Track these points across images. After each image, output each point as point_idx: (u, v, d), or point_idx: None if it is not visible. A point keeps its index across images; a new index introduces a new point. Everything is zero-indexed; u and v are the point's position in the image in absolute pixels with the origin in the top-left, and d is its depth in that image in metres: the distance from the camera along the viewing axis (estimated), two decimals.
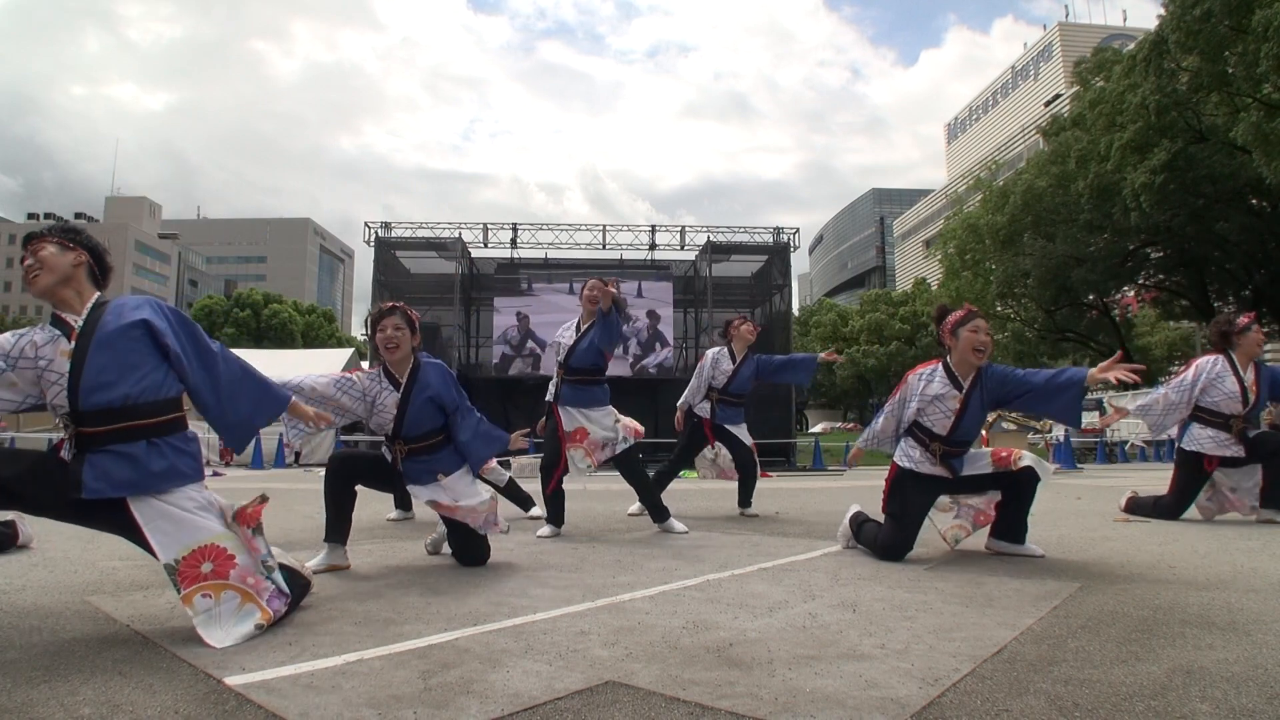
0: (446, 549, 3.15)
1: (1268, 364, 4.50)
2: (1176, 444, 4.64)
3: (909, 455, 3.19)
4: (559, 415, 4.04)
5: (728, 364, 5.04)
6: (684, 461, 5.28)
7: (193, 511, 1.97)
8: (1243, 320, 4.42)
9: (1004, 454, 3.14)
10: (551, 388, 4.15)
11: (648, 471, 4.42)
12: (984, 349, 3.08)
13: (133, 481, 1.92)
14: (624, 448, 4.05)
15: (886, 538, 3.12)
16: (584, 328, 4.09)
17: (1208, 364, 4.43)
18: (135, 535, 1.95)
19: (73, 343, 1.95)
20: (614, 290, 3.93)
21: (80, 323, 1.98)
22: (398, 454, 2.95)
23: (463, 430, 3.01)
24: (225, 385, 2.11)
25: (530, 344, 16.74)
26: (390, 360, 2.95)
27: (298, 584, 2.18)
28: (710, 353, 5.17)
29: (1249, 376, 4.35)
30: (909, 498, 3.13)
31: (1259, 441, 4.35)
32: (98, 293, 2.09)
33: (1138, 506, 4.65)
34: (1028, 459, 3.09)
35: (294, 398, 2.42)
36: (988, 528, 3.26)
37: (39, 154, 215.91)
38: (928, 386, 3.13)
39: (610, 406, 4.13)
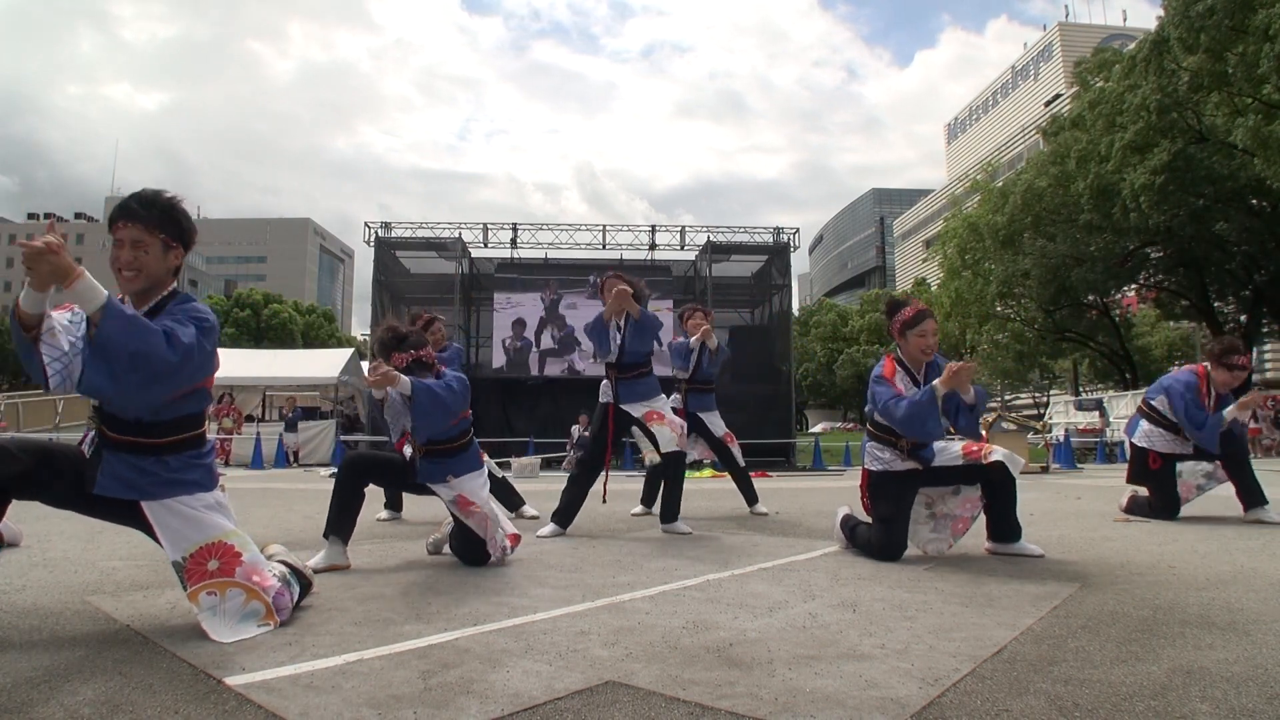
0: (447, 549, 3.16)
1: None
2: (1127, 440, 4.74)
3: (879, 458, 3.19)
4: (611, 416, 4.07)
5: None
6: None
7: (201, 510, 1.98)
8: (1238, 359, 4.46)
9: (974, 447, 3.13)
10: (605, 390, 4.18)
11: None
12: (930, 351, 3.18)
13: (141, 487, 1.93)
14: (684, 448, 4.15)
15: (879, 540, 3.12)
16: (622, 326, 4.09)
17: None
18: (148, 530, 1.97)
19: None
20: (626, 289, 3.96)
21: None
22: (415, 454, 3.01)
23: None
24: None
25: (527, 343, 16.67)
26: None
27: (299, 583, 2.18)
28: (671, 345, 5.22)
29: (1212, 400, 4.50)
30: (890, 498, 3.13)
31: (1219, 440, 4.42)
32: (172, 285, 2.02)
33: (1136, 507, 4.67)
34: (998, 453, 3.06)
35: None
36: (985, 531, 3.26)
37: (35, 153, 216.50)
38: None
39: (664, 397, 4.19)
